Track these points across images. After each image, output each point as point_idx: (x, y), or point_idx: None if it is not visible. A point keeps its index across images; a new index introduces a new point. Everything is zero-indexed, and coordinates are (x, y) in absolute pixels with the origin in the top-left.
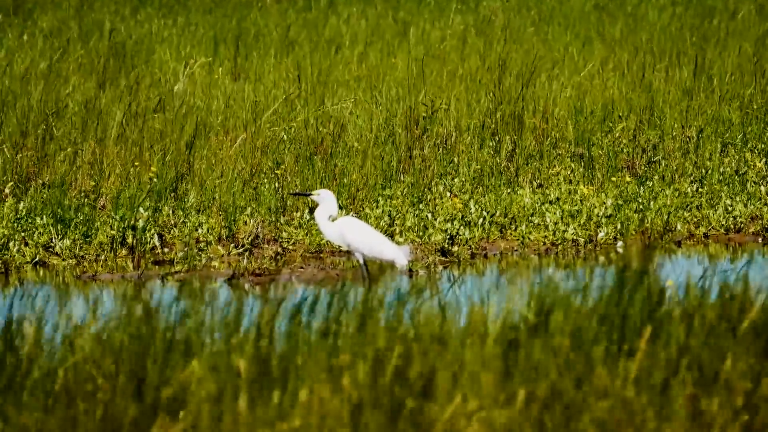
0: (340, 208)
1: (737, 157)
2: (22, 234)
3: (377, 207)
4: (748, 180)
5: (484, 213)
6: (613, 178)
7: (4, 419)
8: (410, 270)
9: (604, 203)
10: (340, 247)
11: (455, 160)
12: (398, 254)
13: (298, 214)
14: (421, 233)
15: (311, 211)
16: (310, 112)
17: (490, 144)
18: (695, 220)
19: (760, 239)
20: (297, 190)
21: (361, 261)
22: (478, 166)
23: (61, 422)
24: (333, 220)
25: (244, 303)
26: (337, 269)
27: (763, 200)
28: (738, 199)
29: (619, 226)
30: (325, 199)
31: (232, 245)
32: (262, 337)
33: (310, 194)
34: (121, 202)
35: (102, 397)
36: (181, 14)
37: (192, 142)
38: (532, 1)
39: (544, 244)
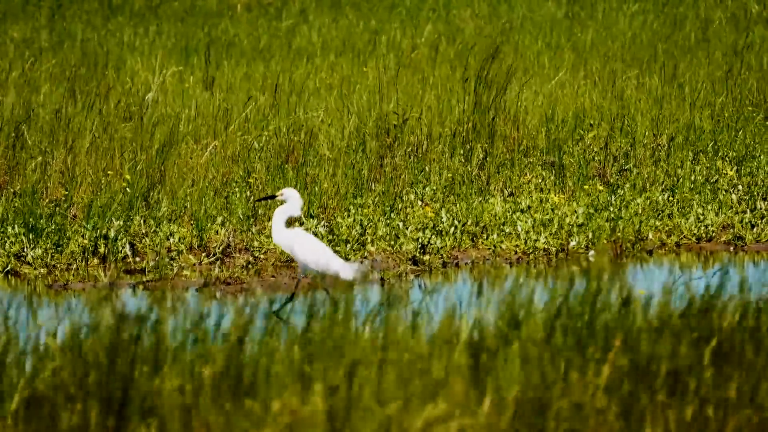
0: (312, 216)
1: (708, 165)
2: None
3: (348, 216)
4: (719, 188)
5: (456, 222)
6: (585, 187)
7: None
8: (382, 279)
9: (576, 212)
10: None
11: (426, 168)
12: (344, 269)
13: (270, 223)
14: (392, 242)
15: None
16: (281, 121)
17: (462, 152)
18: (667, 228)
19: (731, 248)
20: (261, 196)
21: (302, 274)
22: (450, 175)
23: (32, 431)
24: (292, 221)
25: (215, 312)
26: (309, 278)
27: (734, 209)
28: (709, 207)
29: (590, 235)
30: (290, 198)
31: (203, 254)
32: (233, 346)
33: (275, 196)
34: (93, 211)
35: (73, 406)
36: (153, 23)
37: (163, 151)
38: (502, 9)
39: (516, 253)
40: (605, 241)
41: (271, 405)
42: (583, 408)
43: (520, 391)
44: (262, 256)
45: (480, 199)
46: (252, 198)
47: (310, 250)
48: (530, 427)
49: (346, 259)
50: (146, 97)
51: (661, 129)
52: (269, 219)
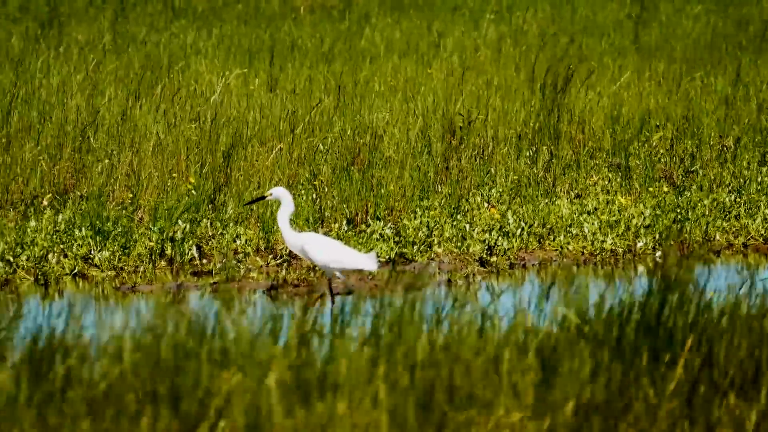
0: (378, 219)
1: None
2: (62, 246)
3: (415, 218)
4: None
5: (522, 223)
6: (651, 188)
7: (45, 430)
8: (449, 280)
9: (642, 213)
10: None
11: (492, 170)
12: (365, 261)
13: (336, 225)
14: (459, 244)
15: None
16: (346, 123)
17: (527, 154)
18: (734, 229)
19: None
20: (251, 198)
21: (329, 275)
22: (516, 177)
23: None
24: (292, 216)
25: (284, 313)
26: (376, 279)
27: None
28: None
29: (657, 236)
30: (281, 197)
31: (270, 256)
32: (301, 348)
33: (264, 197)
34: (160, 213)
35: (140, 408)
36: (216, 26)
37: (229, 153)
38: (565, 11)
39: (583, 254)
40: (672, 242)
41: (339, 407)
42: (654, 410)
43: (590, 393)
44: None
45: (546, 200)
46: (319, 201)
47: (325, 251)
48: (601, 430)
49: (411, 260)
50: (211, 99)
51: (727, 130)
52: (336, 221)
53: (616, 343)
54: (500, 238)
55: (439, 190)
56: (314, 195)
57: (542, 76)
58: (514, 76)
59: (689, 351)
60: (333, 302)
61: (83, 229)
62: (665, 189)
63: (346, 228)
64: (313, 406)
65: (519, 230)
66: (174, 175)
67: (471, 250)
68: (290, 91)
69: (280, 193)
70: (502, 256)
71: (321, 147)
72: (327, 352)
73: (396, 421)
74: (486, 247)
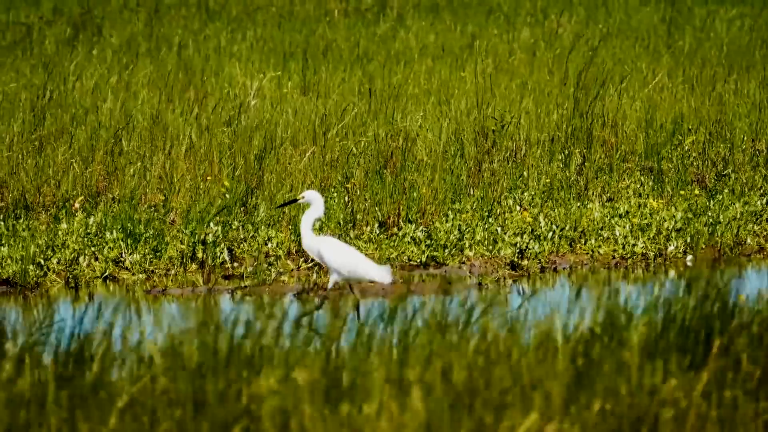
0: (410, 221)
1: None
2: (92, 249)
3: (447, 221)
4: None
5: (554, 227)
6: (683, 192)
7: None
8: (480, 283)
9: (674, 217)
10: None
11: (525, 173)
12: (381, 273)
13: (368, 228)
14: (490, 247)
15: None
16: (379, 126)
17: (560, 157)
18: (765, 233)
19: None
20: (284, 201)
21: (332, 282)
22: (548, 180)
23: None
24: (317, 222)
25: (314, 317)
26: (407, 283)
27: None
28: None
29: (688, 240)
30: (313, 201)
31: (301, 259)
32: (331, 351)
33: (296, 200)
34: (191, 216)
35: (171, 412)
36: (250, 29)
37: (261, 156)
38: (600, 14)
39: (614, 257)
40: (703, 246)
41: (369, 410)
42: (683, 414)
43: (620, 396)
44: None
45: (578, 204)
46: (351, 204)
47: (340, 256)
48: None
49: (442, 263)
50: (247, 102)
51: (759, 134)
52: (367, 225)
53: (646, 347)
54: (531, 241)
55: (471, 193)
56: (346, 198)
57: (575, 80)
58: (548, 79)
59: (719, 354)
60: (320, 307)
61: (114, 231)
62: (697, 192)
63: (378, 231)
64: (344, 410)
65: (550, 233)
66: (207, 178)
67: (502, 253)
68: (323, 94)
69: (312, 196)
70: (533, 259)
71: (354, 150)
72: (358, 355)
73: (428, 424)
74: (517, 250)
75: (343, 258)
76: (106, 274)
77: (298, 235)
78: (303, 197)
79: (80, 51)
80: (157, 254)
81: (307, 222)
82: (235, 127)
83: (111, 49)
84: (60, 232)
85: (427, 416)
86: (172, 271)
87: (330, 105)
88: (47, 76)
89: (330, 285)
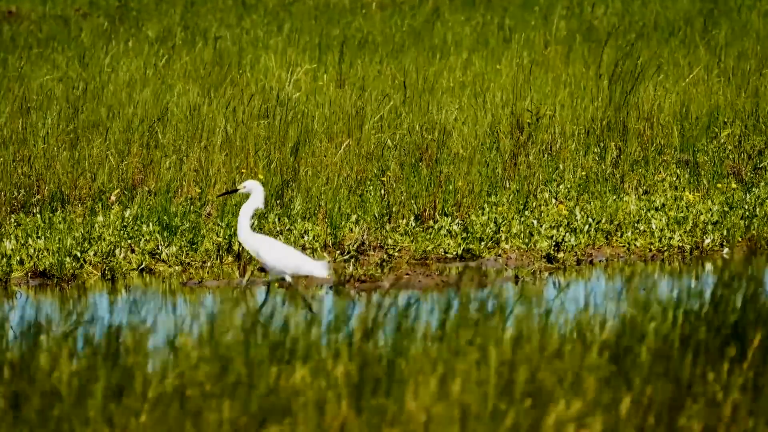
0: (446, 215)
1: None
2: (129, 241)
3: (483, 214)
4: None
5: (590, 220)
6: (719, 185)
7: (111, 425)
8: (516, 276)
9: (710, 210)
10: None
11: (560, 166)
12: (317, 268)
13: (404, 221)
14: (526, 240)
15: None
16: (415, 119)
17: (595, 150)
18: None
19: None
20: (224, 191)
21: (271, 278)
22: (584, 173)
23: (168, 428)
24: (257, 213)
25: (349, 309)
26: (443, 276)
27: None
28: None
29: (725, 233)
30: (254, 190)
31: (337, 252)
32: (367, 344)
33: (237, 190)
34: (227, 209)
35: (207, 404)
36: (286, 21)
37: (297, 149)
38: (636, 6)
39: (650, 250)
40: (740, 239)
41: (406, 403)
42: (718, 406)
43: (656, 389)
44: (396, 254)
45: (614, 197)
46: (387, 197)
47: (278, 254)
48: (666, 425)
49: (478, 256)
50: (280, 95)
51: None
52: (403, 217)
53: (682, 339)
54: (567, 234)
55: (507, 186)
56: (382, 191)
57: (611, 72)
58: (583, 71)
59: (755, 347)
60: (266, 300)
61: (151, 224)
62: (733, 185)
63: (413, 224)
64: (380, 402)
65: (586, 226)
66: (242, 170)
67: (538, 246)
68: (359, 87)
69: (252, 186)
70: (569, 252)
71: (389, 143)
72: (393, 346)
73: (463, 416)
74: (553, 243)
75: (284, 260)
76: (143, 266)
77: (335, 227)
78: (244, 187)
79: (116, 43)
80: (193, 246)
81: (246, 213)
82: (271, 119)
83: (147, 42)
84: (96, 225)
85: (464, 408)
86: (209, 263)
87: (365, 97)
88: (83, 69)
89: (268, 282)
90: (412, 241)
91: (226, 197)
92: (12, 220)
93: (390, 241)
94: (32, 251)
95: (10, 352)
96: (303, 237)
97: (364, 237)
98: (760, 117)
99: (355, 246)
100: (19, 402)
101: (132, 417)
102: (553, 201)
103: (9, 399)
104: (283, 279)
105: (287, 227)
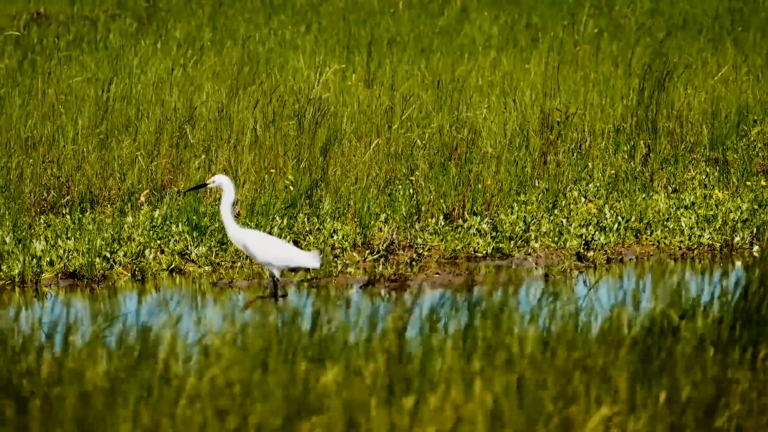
0: (475, 213)
1: None
2: (158, 241)
3: (512, 213)
4: None
5: (620, 218)
6: (749, 183)
7: (143, 425)
8: (546, 275)
9: (740, 207)
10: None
11: (590, 165)
12: (308, 259)
13: (433, 220)
14: (556, 239)
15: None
16: (444, 118)
17: (625, 149)
18: None
19: None
20: (192, 186)
21: (276, 274)
22: (613, 171)
23: (198, 428)
24: (234, 207)
25: (380, 308)
26: (473, 275)
27: None
28: None
29: (755, 231)
30: (223, 185)
31: (367, 251)
32: (397, 342)
33: (206, 184)
34: (257, 209)
35: (237, 403)
36: (314, 21)
37: (326, 149)
38: (664, 5)
39: (680, 248)
40: None
41: (434, 402)
42: (750, 404)
43: (688, 387)
44: (425, 253)
45: (643, 195)
46: (416, 196)
47: (266, 247)
48: (700, 425)
49: (508, 255)
50: (309, 95)
51: None
52: (432, 216)
53: (714, 338)
54: (597, 232)
55: (536, 184)
56: (411, 190)
57: (640, 71)
58: (612, 70)
59: None
60: (277, 300)
61: (180, 224)
62: (763, 183)
63: (443, 223)
64: (409, 402)
65: (616, 225)
66: (271, 171)
67: (568, 244)
68: (388, 87)
69: (222, 180)
70: (599, 250)
71: (418, 142)
72: (423, 346)
73: (493, 415)
74: (583, 241)
75: (273, 252)
76: (172, 266)
77: (365, 227)
78: (213, 181)
79: (145, 44)
80: (223, 247)
81: (226, 210)
82: (300, 119)
83: (175, 43)
84: (126, 225)
85: (493, 407)
86: (238, 264)
87: (394, 97)
88: (112, 70)
89: (271, 278)
90: (441, 240)
91: (194, 192)
92: (42, 221)
93: (419, 241)
94: (62, 252)
95: (43, 353)
96: (332, 236)
97: (394, 236)
98: None
99: (385, 245)
100: (53, 403)
101: (164, 417)
102: (583, 199)
103: (42, 400)
104: (282, 275)
105: (316, 227)
